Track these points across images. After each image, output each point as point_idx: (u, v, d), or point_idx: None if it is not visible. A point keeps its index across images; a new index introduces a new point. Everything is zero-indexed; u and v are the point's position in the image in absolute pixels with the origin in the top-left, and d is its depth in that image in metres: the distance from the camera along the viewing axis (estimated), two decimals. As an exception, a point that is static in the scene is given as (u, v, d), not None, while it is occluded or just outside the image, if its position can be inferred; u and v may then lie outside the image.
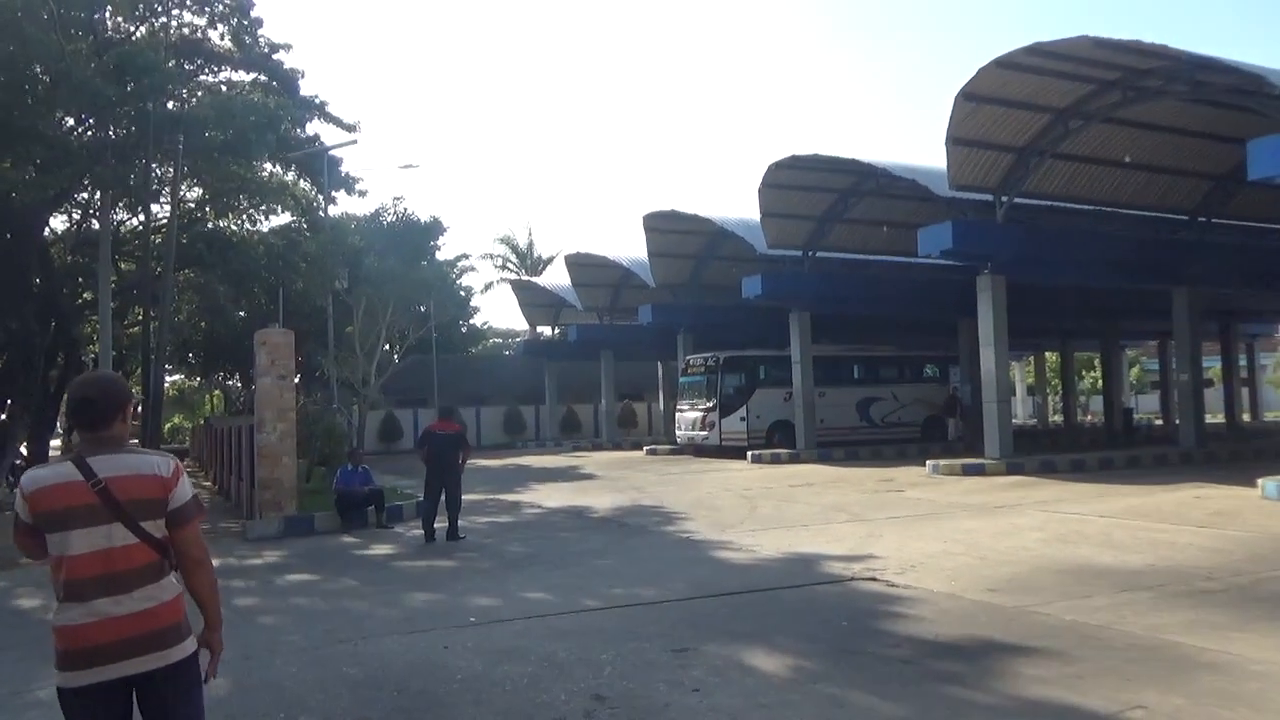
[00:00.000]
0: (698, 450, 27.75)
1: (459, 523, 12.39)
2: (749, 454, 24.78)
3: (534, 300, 41.67)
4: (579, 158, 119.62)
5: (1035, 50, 16.08)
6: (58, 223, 24.49)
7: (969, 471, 18.45)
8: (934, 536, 10.94)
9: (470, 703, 5.48)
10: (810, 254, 25.26)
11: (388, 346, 22.72)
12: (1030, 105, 18.08)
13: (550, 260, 54.61)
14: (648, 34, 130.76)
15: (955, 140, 18.19)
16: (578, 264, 35.13)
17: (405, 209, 22.42)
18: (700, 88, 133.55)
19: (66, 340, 22.93)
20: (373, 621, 7.77)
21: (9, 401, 20.21)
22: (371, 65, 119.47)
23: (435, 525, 12.18)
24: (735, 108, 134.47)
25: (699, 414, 27.47)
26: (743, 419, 26.69)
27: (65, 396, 3.31)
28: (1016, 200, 19.64)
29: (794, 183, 23.09)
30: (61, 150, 17.94)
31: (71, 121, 20.24)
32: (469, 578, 9.65)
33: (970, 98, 17.48)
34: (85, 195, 22.68)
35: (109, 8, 20.27)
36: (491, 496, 17.83)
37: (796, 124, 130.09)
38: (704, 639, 6.64)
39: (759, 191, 23.00)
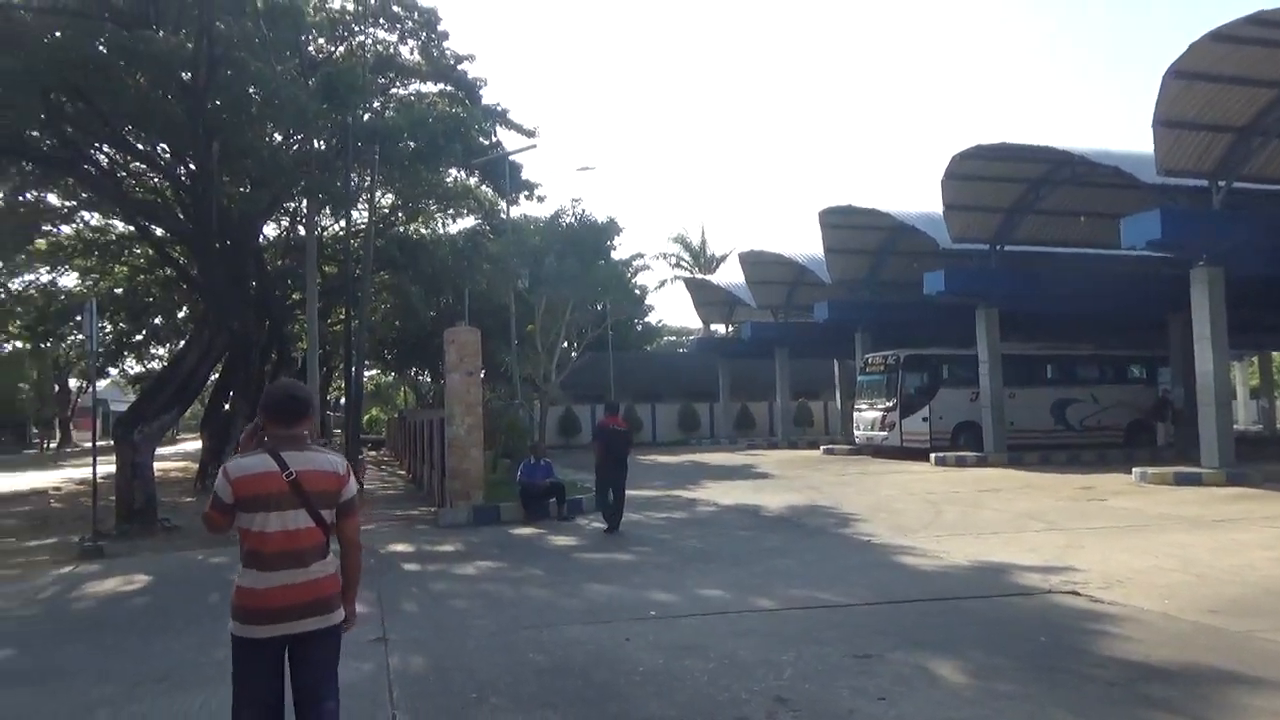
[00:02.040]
0: (877, 451, 26.95)
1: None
2: (932, 456, 23.82)
3: (708, 298, 41.74)
4: (752, 155, 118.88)
5: (1260, 20, 14.58)
6: (270, 230, 26.70)
7: (1182, 481, 16.95)
8: (1143, 550, 10.10)
9: (652, 695, 5.51)
10: (998, 247, 23.99)
11: (566, 344, 23.37)
12: (1253, 80, 16.42)
13: (723, 258, 54.61)
14: (821, 29, 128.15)
15: (1165, 122, 16.77)
16: (752, 262, 34.89)
17: (583, 211, 23.00)
18: (875, 80, 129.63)
19: (278, 338, 24.90)
20: (556, 611, 7.98)
21: (231, 394, 22.17)
22: (549, 72, 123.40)
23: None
24: (910, 100, 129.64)
25: (878, 414, 26.67)
26: (925, 419, 25.68)
27: (263, 396, 3.76)
28: (1236, 185, 17.88)
29: (980, 173, 21.99)
30: (273, 164, 19.48)
31: (280, 137, 21.96)
32: (647, 572, 9.74)
33: (1182, 75, 16.08)
34: (293, 204, 24.58)
35: (312, 31, 21.85)
36: (667, 493, 17.98)
37: (974, 115, 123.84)
38: (888, 646, 6.40)
39: (942, 183, 22.05)
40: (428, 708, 5.42)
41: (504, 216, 24.97)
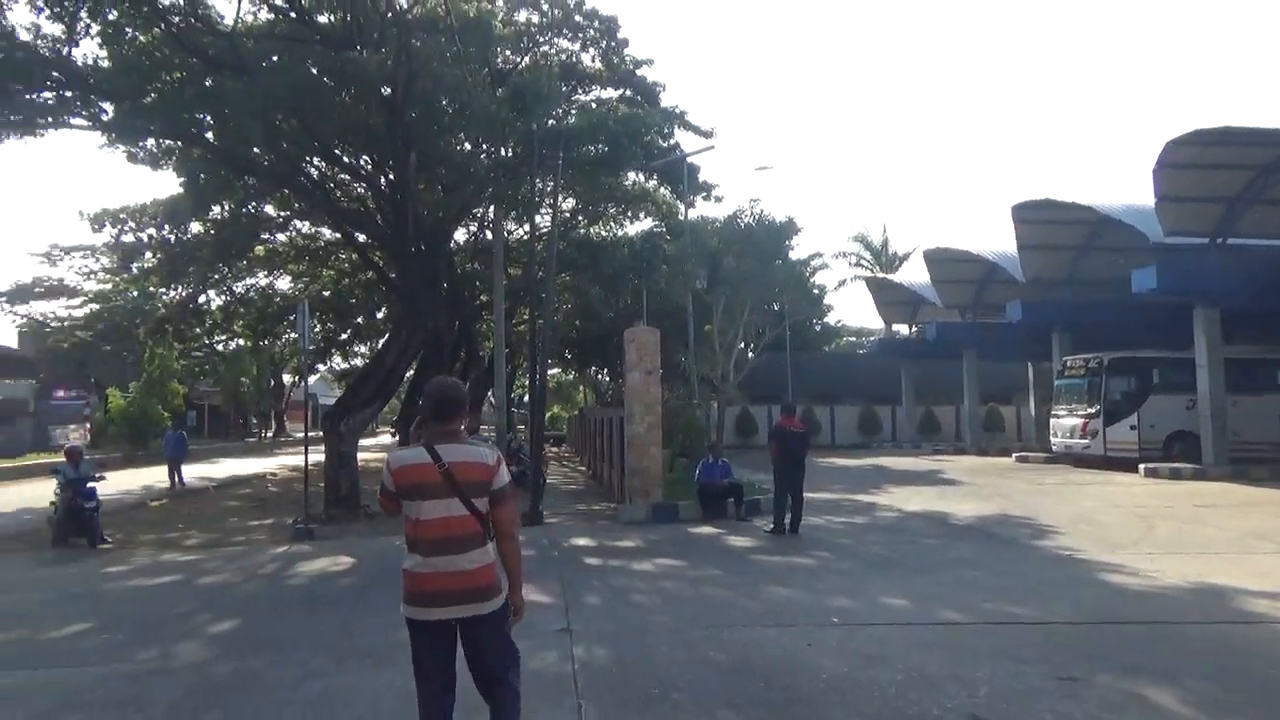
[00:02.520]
0: (1077, 460, 25.20)
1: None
2: (1141, 467, 22.03)
3: (890, 298, 40.45)
4: (936, 150, 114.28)
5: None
6: (459, 235, 28.06)
7: None
8: (1399, 578, 8.92)
9: (836, 704, 5.35)
10: (1219, 241, 21.89)
11: (744, 344, 23.25)
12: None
13: (906, 257, 52.81)
14: (1008, 15, 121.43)
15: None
16: (937, 259, 33.50)
17: (761, 210, 22.81)
18: (1066, 69, 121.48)
19: (467, 337, 26.14)
20: (735, 611, 7.91)
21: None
22: (727, 72, 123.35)
23: (786, 519, 12.48)
24: (1103, 90, 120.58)
25: (1079, 420, 24.92)
26: (1133, 428, 23.76)
27: (422, 395, 3.99)
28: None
29: (1198, 161, 20.11)
30: (465, 172, 20.44)
31: (470, 146, 23.02)
32: (827, 577, 9.51)
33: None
34: (481, 210, 25.71)
35: (498, 44, 22.77)
36: (847, 496, 17.53)
37: (1173, 103, 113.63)
38: (1094, 669, 5.94)
39: (1155, 173, 20.31)
40: (611, 700, 5.49)
41: (682, 218, 25.14)
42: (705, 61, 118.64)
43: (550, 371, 46.64)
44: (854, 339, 57.65)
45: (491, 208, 23.70)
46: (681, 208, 25.18)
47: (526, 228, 26.15)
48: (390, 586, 9.20)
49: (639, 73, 24.19)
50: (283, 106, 16.79)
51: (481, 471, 3.76)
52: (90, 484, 13.33)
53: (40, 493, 16.80)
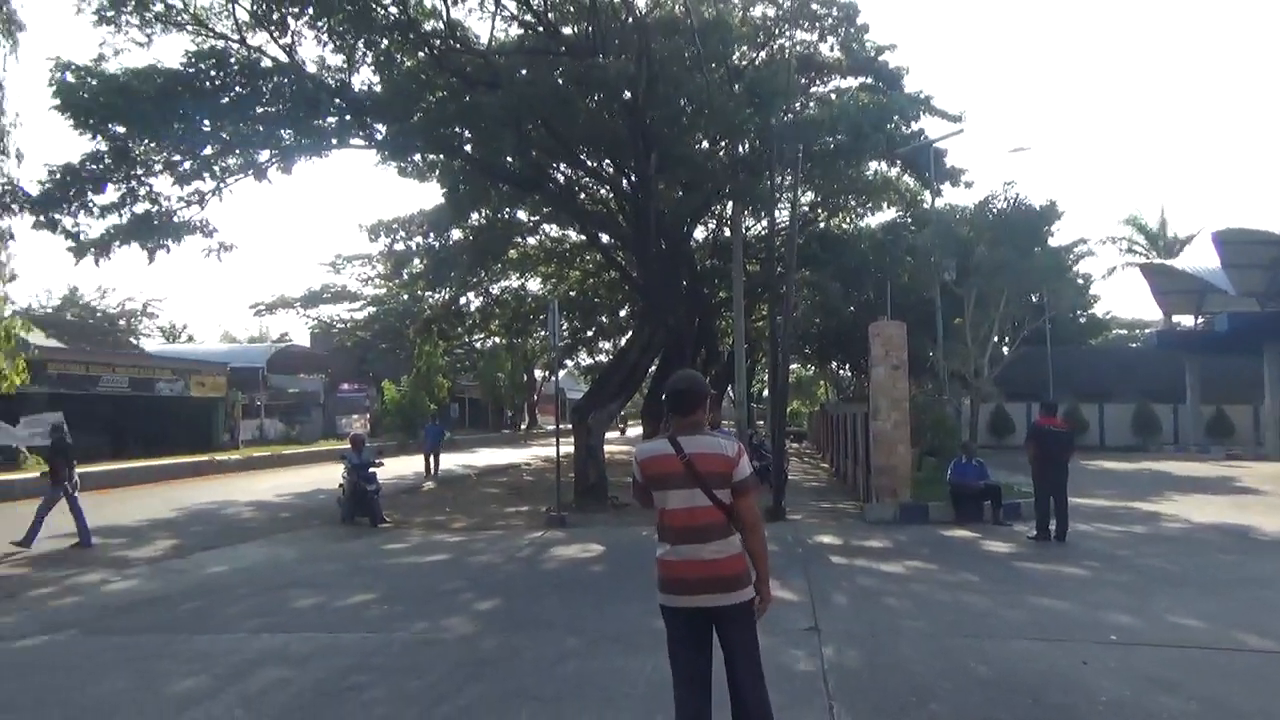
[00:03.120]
0: None
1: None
2: None
3: (1170, 286, 36.56)
4: (1219, 122, 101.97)
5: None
6: (699, 232, 28.35)
7: None
8: None
9: (1120, 730, 4.84)
10: None
11: (999, 338, 21.84)
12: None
13: (1188, 240, 47.51)
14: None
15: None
16: (1231, 241, 29.79)
17: (1016, 195, 21.31)
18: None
19: (706, 333, 26.39)
20: (996, 621, 7.40)
21: (667, 385, 24.04)
22: (976, 51, 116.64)
23: (1050, 525, 11.50)
24: None
25: None
26: None
27: (664, 387, 3.98)
28: None
29: None
30: (703, 170, 20.63)
31: (707, 144, 23.18)
32: (1101, 589, 8.68)
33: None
34: (719, 207, 25.84)
35: (735, 41, 22.74)
36: (1121, 503, 15.99)
37: None
38: None
39: None
40: (864, 705, 5.29)
41: (928, 206, 24.01)
42: (953, 41, 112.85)
43: (790, 367, 46.33)
44: (1125, 331, 52.63)
45: (730, 204, 23.78)
46: (927, 196, 24.04)
47: (765, 223, 26.01)
48: (639, 575, 9.49)
49: (880, 59, 23.35)
50: (532, 116, 17.71)
51: (722, 463, 3.77)
52: (371, 469, 14.72)
53: (330, 475, 18.76)
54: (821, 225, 28.90)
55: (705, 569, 3.72)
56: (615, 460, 23.29)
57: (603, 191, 24.35)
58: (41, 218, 17.40)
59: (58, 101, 16.56)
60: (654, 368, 24.78)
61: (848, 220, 29.68)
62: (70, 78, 16.80)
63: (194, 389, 34.19)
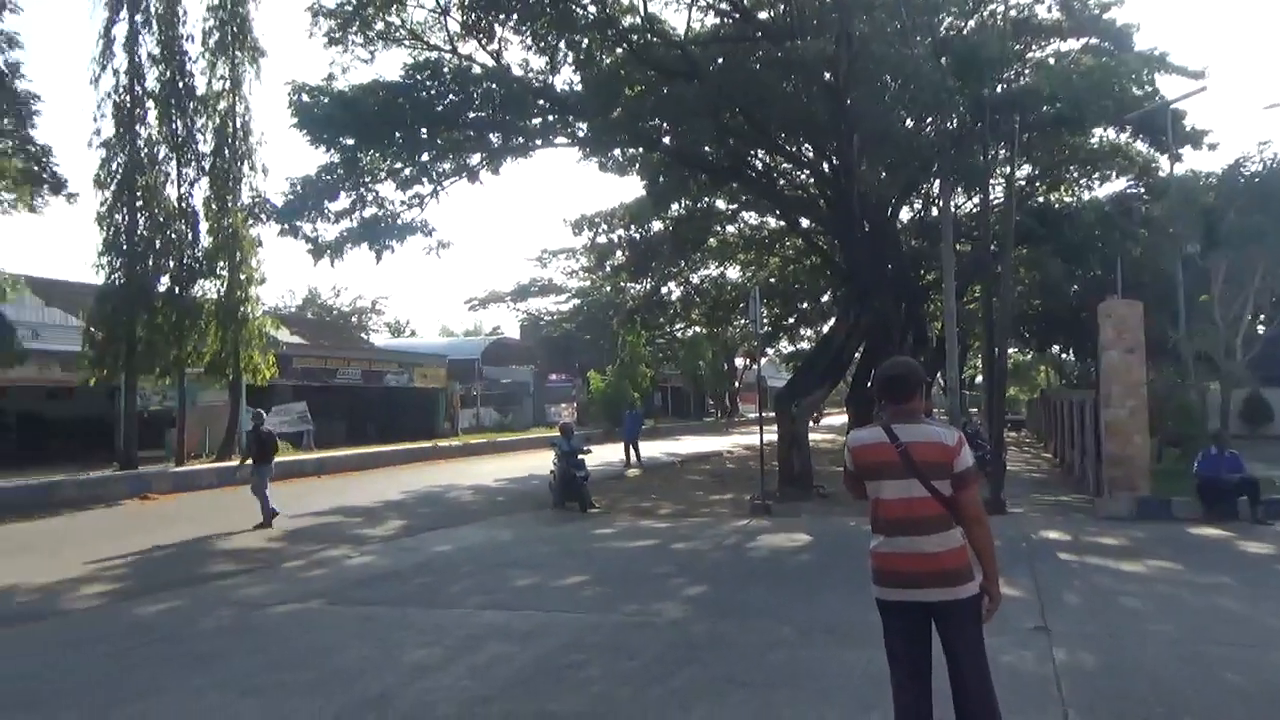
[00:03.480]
0: None
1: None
2: None
3: None
4: None
5: None
6: (904, 213, 27.24)
7: None
8: None
9: None
10: None
11: (1252, 315, 19.61)
12: None
13: None
14: None
15: None
16: None
17: (1275, 155, 19.00)
18: None
19: (914, 318, 25.36)
20: (1257, 629, 6.64)
21: (873, 371, 23.26)
22: None
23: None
24: None
25: None
26: None
27: (875, 374, 3.78)
28: None
29: None
30: (909, 149, 19.78)
31: (912, 121, 22.20)
32: (1389, 599, 7.60)
33: None
34: (926, 186, 24.72)
35: (942, 10, 21.59)
36: None
37: None
38: None
39: None
40: (1105, 712, 4.88)
41: (1164, 174, 21.89)
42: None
43: (1007, 351, 43.69)
44: None
45: (937, 182, 22.71)
46: (1164, 162, 21.92)
47: (977, 200, 24.68)
48: (848, 566, 9.28)
49: (1106, 16, 21.52)
50: (730, 104, 17.63)
51: (940, 453, 3.57)
52: (580, 455, 15.21)
53: (541, 462, 19.58)
54: (1040, 199, 27.05)
55: (925, 562, 3.54)
56: (819, 449, 22.88)
57: (802, 176, 23.92)
58: (285, 225, 19.19)
59: (295, 120, 18.18)
60: (859, 354, 24.14)
61: (1070, 193, 27.61)
62: (305, 98, 18.40)
63: (417, 380, 36.69)
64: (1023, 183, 26.72)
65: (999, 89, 19.99)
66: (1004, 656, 5.61)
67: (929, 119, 21.47)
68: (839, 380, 21.32)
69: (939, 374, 28.01)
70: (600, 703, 5.23)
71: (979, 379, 38.88)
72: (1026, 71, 22.56)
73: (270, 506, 13.58)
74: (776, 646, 6.28)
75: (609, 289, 42.77)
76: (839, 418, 52.62)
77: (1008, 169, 19.86)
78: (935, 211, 24.17)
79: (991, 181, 21.58)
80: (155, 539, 12.41)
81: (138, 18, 21.40)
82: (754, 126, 18.75)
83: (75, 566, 10.35)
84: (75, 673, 6.15)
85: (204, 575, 9.79)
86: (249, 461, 14.33)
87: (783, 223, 26.31)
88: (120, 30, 21.25)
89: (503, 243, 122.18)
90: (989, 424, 15.62)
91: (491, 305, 56.88)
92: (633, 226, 27.41)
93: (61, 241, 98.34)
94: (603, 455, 22.34)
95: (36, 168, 18.76)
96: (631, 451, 23.76)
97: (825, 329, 27.76)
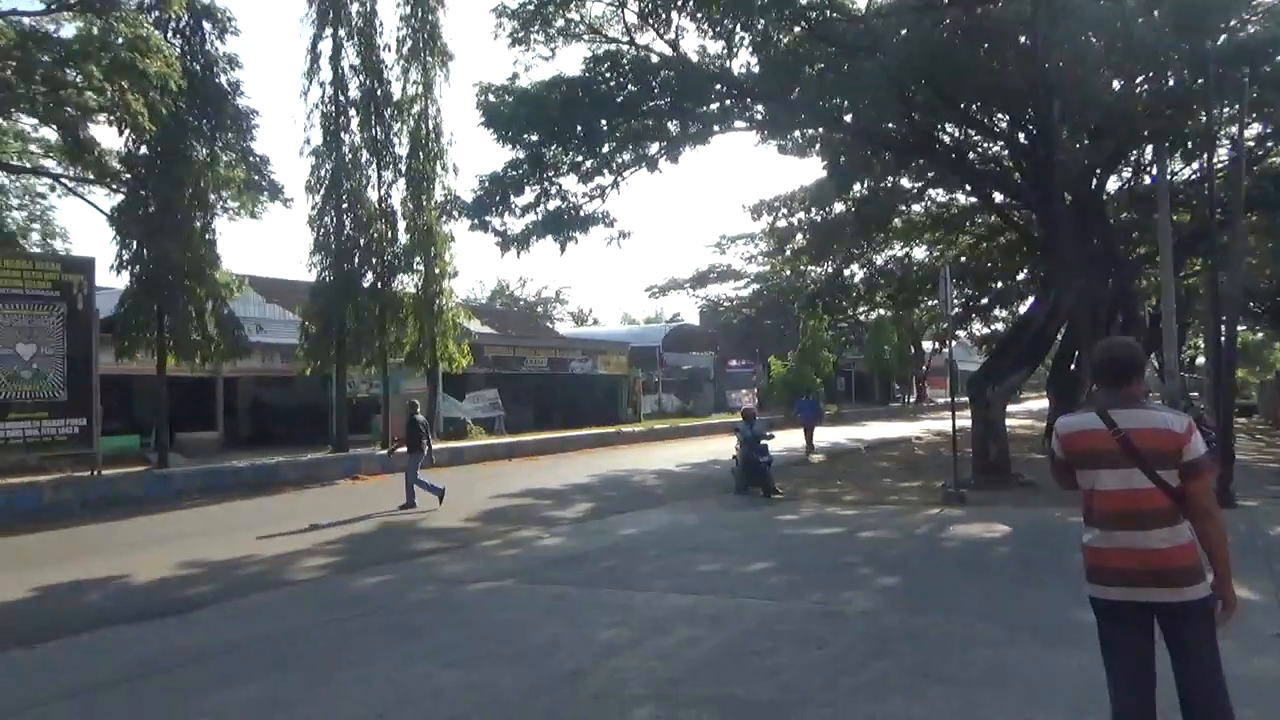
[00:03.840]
0: None
1: None
2: None
3: None
4: None
5: None
6: (1111, 183, 25.20)
7: None
8: None
9: None
10: None
11: None
12: None
13: None
14: None
15: None
16: None
17: None
18: None
19: (1123, 295, 23.47)
20: None
21: (1076, 354, 21.73)
22: None
23: None
24: None
25: None
26: None
27: (1091, 355, 3.43)
28: None
29: None
30: (1115, 112, 18.26)
31: (1119, 83, 20.47)
32: None
33: None
34: (1137, 152, 22.76)
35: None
36: None
37: None
38: None
39: None
40: (1367, 733, 4.32)
41: None
42: None
43: (1236, 330, 39.77)
44: None
45: (1150, 148, 20.88)
46: None
47: (1198, 166, 22.51)
48: (1055, 560, 8.75)
49: (1354, -53, 19.00)
50: (916, 77, 16.87)
51: (1167, 440, 3.24)
52: (763, 441, 15.09)
53: (723, 447, 19.55)
54: (1276, 160, 24.36)
55: (1150, 559, 3.23)
56: (1017, 435, 21.71)
57: (995, 148, 22.64)
58: (475, 221, 20.08)
59: (483, 119, 18.96)
60: (1060, 335, 22.65)
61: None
62: (491, 98, 19.16)
63: (601, 367, 37.60)
64: (1253, 143, 24.15)
65: (1224, 40, 18.16)
66: (1238, 666, 5.07)
67: (1141, 79, 19.80)
68: (1038, 363, 20.09)
69: (1152, 355, 25.81)
70: (789, 691, 5.14)
71: (1199, 360, 35.63)
72: (1256, 19, 20.33)
73: (422, 493, 14.14)
74: (977, 643, 5.97)
75: (789, 273, 42.13)
76: (1037, 402, 49.75)
77: (1235, 129, 18.01)
78: (1148, 180, 22.24)
79: (1219, 143, 19.66)
80: (364, 517, 13.35)
81: (340, 32, 22.95)
82: (942, 99, 17.89)
83: (298, 541, 11.28)
84: (302, 638, 6.69)
85: (409, 552, 10.42)
86: (402, 449, 14.95)
87: (974, 199, 24.99)
88: (325, 46, 22.87)
89: (681, 230, 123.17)
90: (1216, 409, 14.24)
91: (671, 292, 57.47)
92: (813, 209, 26.81)
93: (276, 243, 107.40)
94: (785, 441, 22.06)
95: (256, 176, 20.47)
96: (810, 438, 23.45)
97: (1022, 309, 26.20)
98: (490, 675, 5.58)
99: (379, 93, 23.48)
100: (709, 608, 7.17)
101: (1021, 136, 19.67)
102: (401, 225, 24.40)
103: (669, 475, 19.13)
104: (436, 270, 24.50)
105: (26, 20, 15.17)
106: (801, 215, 27.46)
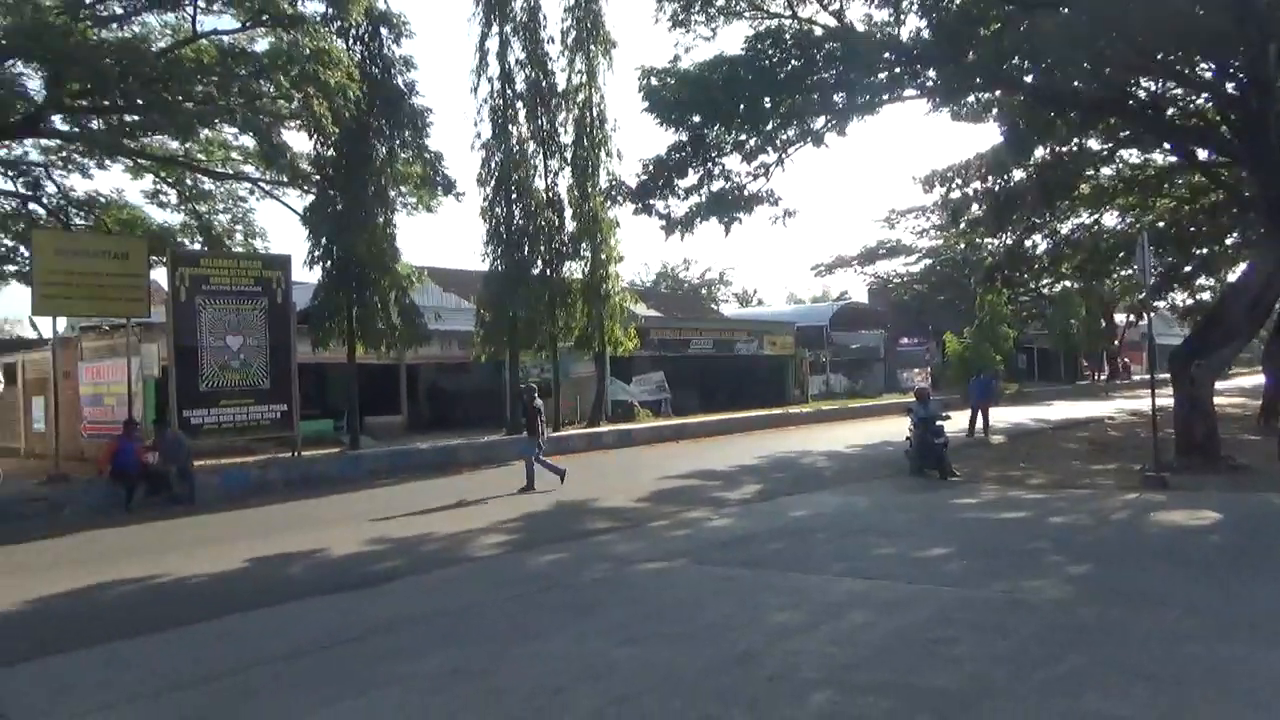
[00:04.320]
0: None
1: None
2: None
3: None
4: None
5: None
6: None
7: None
8: None
9: None
10: None
11: None
12: None
13: None
14: None
15: None
16: None
17: None
18: None
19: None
20: None
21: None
22: None
23: None
24: None
25: None
26: None
27: None
28: None
29: None
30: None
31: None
32: None
33: None
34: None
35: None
36: None
37: None
38: None
39: None
40: None
41: None
42: None
43: None
44: None
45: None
46: None
47: None
48: (1274, 551, 7.92)
49: None
50: (1106, 29, 15.61)
51: None
52: (938, 422, 14.48)
53: (894, 428, 18.97)
54: None
55: None
56: (1227, 414, 19.91)
57: (1198, 101, 20.72)
58: (639, 205, 20.24)
59: (646, 104, 19.04)
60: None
61: None
62: (653, 81, 19.21)
63: (766, 348, 37.21)
64: None
65: None
66: None
67: None
68: (1253, 335, 18.30)
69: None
70: (974, 682, 4.89)
71: None
72: None
73: (540, 476, 14.51)
74: (1186, 639, 5.49)
75: (964, 246, 40.29)
76: (1249, 378, 45.50)
77: None
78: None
79: None
80: (537, 497, 13.79)
81: (507, 28, 23.63)
82: (1136, 51, 16.48)
83: (475, 519, 11.77)
84: (481, 612, 6.96)
85: (581, 531, 10.66)
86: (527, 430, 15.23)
87: (1173, 158, 22.99)
88: (492, 43, 23.61)
89: (847, 207, 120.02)
90: None
91: (838, 270, 56.15)
92: (990, 177, 25.41)
93: (450, 235, 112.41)
94: (962, 421, 21.15)
95: (431, 172, 21.42)
96: (979, 419, 21.94)
97: (1232, 276, 23.90)
98: (663, 654, 5.60)
99: (544, 84, 24.04)
100: (884, 593, 6.94)
101: (1229, 86, 17.86)
102: (568, 213, 24.94)
103: (839, 457, 18.70)
104: (603, 255, 24.91)
105: (225, 39, 16.41)
106: (977, 185, 26.09)
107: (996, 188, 25.64)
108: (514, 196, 23.59)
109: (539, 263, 24.15)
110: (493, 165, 23.55)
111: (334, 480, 16.90)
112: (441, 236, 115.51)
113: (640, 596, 7.24)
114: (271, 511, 13.71)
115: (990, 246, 34.90)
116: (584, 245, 24.94)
